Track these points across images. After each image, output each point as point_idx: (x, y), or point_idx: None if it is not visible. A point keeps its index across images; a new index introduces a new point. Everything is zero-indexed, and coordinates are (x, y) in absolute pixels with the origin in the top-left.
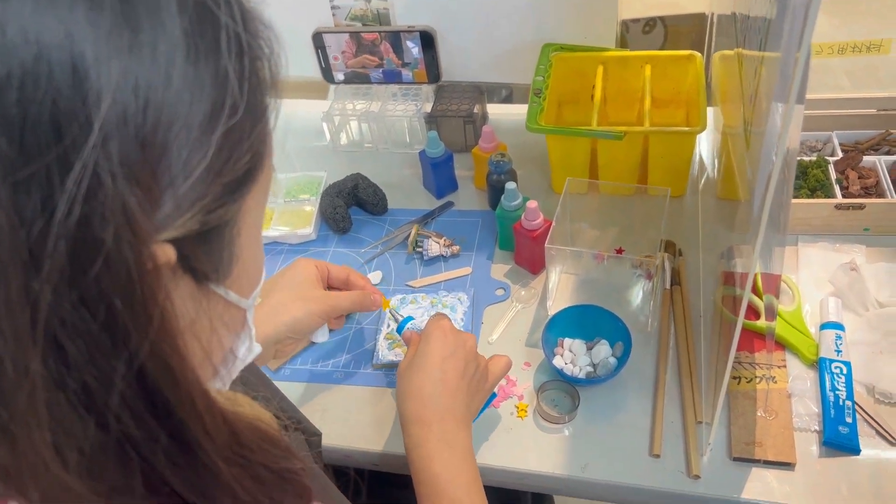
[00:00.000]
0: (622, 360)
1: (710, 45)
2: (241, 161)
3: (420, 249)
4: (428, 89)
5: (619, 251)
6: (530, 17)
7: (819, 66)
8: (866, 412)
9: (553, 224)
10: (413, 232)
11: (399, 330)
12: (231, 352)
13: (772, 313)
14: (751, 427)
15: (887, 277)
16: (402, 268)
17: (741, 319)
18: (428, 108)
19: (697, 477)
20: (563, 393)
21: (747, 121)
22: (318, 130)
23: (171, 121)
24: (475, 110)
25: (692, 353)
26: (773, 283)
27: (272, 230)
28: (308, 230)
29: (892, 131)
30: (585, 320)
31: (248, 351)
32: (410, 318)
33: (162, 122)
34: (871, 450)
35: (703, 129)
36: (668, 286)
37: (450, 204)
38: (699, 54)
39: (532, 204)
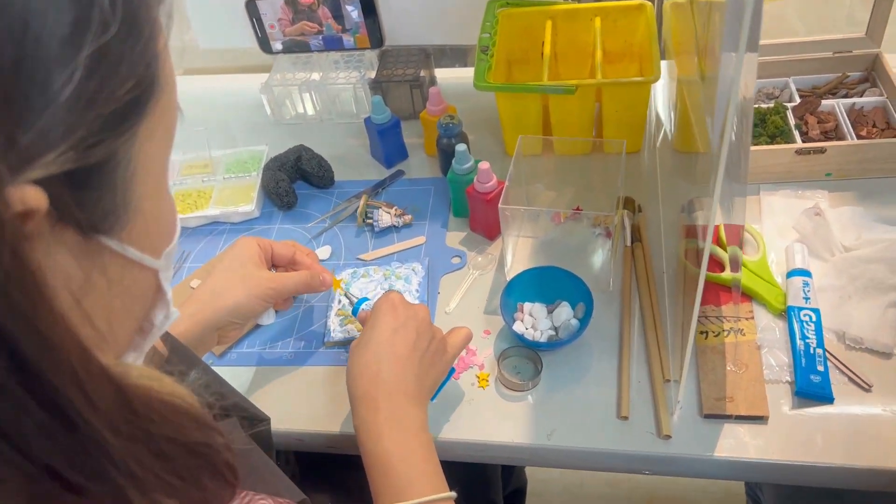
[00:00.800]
0: (584, 321)
1: None
2: (121, 88)
3: (370, 221)
4: (371, 55)
5: (577, 210)
6: None
7: (771, 10)
8: (838, 359)
9: (506, 184)
10: (362, 203)
11: (354, 312)
12: (147, 319)
13: (736, 264)
14: (721, 382)
15: (851, 221)
16: (353, 241)
17: (703, 272)
18: (372, 74)
19: (668, 437)
20: (524, 359)
21: (703, 71)
22: (258, 105)
23: (17, 33)
24: (422, 74)
25: (657, 311)
26: (735, 234)
27: (212, 209)
28: (250, 207)
29: (848, 74)
30: (545, 283)
31: (165, 318)
32: (366, 299)
33: (2, 33)
34: (845, 397)
35: (657, 78)
36: (628, 243)
37: (400, 173)
38: (650, 3)
39: (484, 165)
